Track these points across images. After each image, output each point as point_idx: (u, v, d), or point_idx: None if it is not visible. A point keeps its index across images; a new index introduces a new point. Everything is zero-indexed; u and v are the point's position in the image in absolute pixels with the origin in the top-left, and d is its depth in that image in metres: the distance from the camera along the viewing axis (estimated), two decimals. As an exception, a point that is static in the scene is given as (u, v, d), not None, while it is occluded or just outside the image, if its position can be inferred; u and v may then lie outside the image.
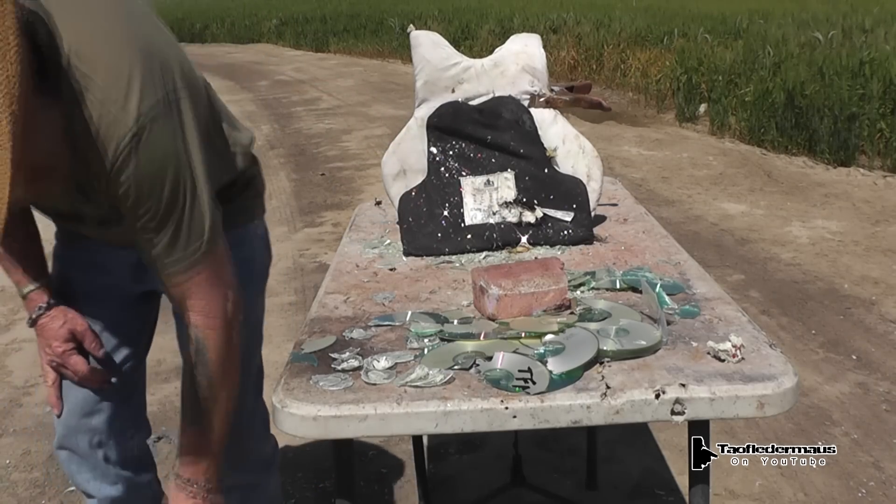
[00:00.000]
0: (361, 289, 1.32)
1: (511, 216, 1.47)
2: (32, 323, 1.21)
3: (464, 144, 1.52)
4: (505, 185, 1.48)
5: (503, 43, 1.63)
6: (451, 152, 1.51)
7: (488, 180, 1.49)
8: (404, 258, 1.46)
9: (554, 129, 1.57)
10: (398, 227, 1.52)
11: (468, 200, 1.48)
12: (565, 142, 1.56)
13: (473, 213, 1.48)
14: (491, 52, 1.61)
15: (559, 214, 1.47)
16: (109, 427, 1.30)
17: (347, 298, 1.28)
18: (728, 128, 6.60)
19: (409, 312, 1.18)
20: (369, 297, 1.27)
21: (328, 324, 1.17)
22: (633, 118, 7.57)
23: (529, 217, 1.46)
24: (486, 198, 1.48)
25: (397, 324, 1.15)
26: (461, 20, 13.45)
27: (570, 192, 1.49)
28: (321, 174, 5.87)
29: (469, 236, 1.46)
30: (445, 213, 1.48)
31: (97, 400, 1.27)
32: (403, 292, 1.29)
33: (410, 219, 1.49)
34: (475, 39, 12.07)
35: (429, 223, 1.48)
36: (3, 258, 1.20)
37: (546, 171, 1.51)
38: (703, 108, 7.19)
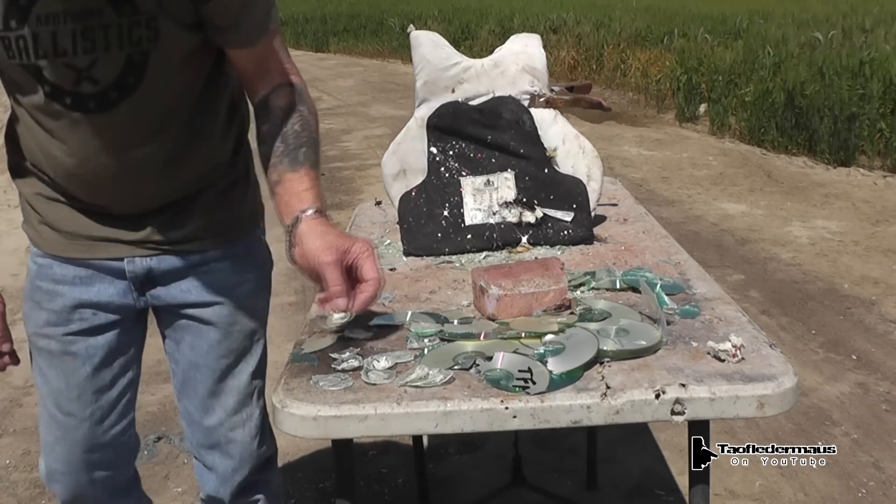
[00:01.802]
0: (361, 289, 1.32)
1: (511, 216, 1.47)
2: None
3: (464, 144, 1.51)
4: (505, 185, 1.48)
5: (503, 43, 1.63)
6: (451, 152, 1.51)
7: (488, 180, 1.49)
8: (404, 258, 1.46)
9: (554, 129, 1.57)
10: (398, 227, 1.52)
11: (468, 200, 1.48)
12: (565, 142, 1.56)
13: (473, 213, 1.48)
14: (491, 52, 1.61)
15: (559, 214, 1.47)
16: (111, 463, 1.32)
17: (347, 298, 1.27)
18: (728, 128, 6.60)
19: (409, 312, 1.18)
20: (369, 297, 1.27)
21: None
22: (633, 118, 7.58)
23: (529, 217, 1.46)
24: (486, 198, 1.48)
25: (397, 324, 1.15)
26: (461, 20, 13.45)
27: (570, 192, 1.49)
28: (321, 174, 5.87)
29: (469, 236, 1.46)
30: (445, 213, 1.48)
31: (100, 436, 1.28)
32: (403, 292, 1.29)
33: (410, 219, 1.49)
34: (475, 39, 12.07)
35: (429, 223, 1.48)
36: None
37: (546, 171, 1.50)
38: (703, 108, 7.19)
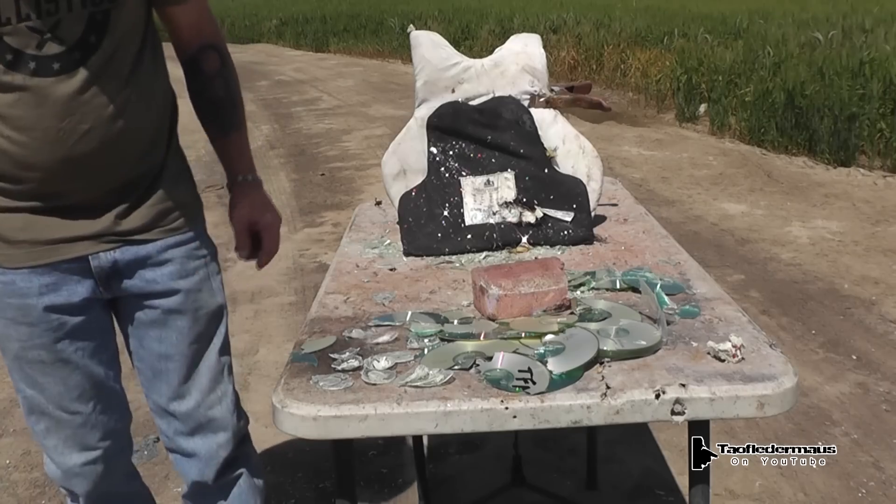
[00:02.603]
0: (361, 289, 1.32)
1: (511, 216, 1.47)
2: None
3: (464, 144, 1.52)
4: (505, 185, 1.48)
5: (503, 43, 1.63)
6: (451, 152, 1.51)
7: (488, 180, 1.49)
8: (404, 258, 1.46)
9: (554, 129, 1.57)
10: (398, 227, 1.52)
11: (468, 200, 1.48)
12: (565, 142, 1.56)
13: (473, 213, 1.48)
14: (491, 52, 1.61)
15: (559, 214, 1.47)
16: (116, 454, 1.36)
17: (347, 298, 1.28)
18: (728, 128, 6.60)
19: (409, 312, 1.18)
20: (369, 297, 1.27)
21: (328, 324, 1.17)
22: (633, 118, 7.57)
23: (529, 217, 1.46)
24: (486, 198, 1.48)
25: (397, 324, 1.15)
26: (461, 20, 13.44)
27: (570, 191, 1.49)
28: (321, 174, 5.87)
29: (469, 236, 1.46)
30: (445, 213, 1.48)
31: (109, 423, 1.32)
32: (403, 292, 1.29)
33: (410, 219, 1.49)
34: (475, 39, 12.06)
35: (429, 223, 1.48)
36: None
37: (546, 171, 1.50)
38: (703, 108, 7.18)
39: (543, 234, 1.47)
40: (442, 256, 1.46)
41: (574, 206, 1.48)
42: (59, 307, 1.21)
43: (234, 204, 1.34)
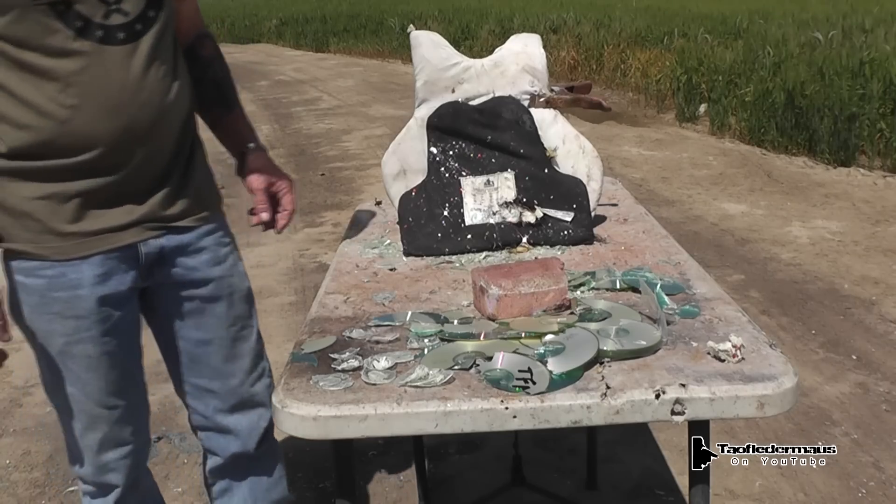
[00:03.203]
0: (361, 289, 1.32)
1: (511, 216, 1.47)
2: None
3: (464, 144, 1.51)
4: (505, 185, 1.48)
5: (503, 43, 1.62)
6: (451, 152, 1.51)
7: (488, 180, 1.49)
8: (404, 258, 1.46)
9: (554, 129, 1.57)
10: (398, 227, 1.52)
11: (468, 200, 1.48)
12: (565, 142, 1.56)
13: (473, 213, 1.48)
14: (491, 52, 1.61)
15: (559, 214, 1.47)
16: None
17: (347, 298, 1.28)
18: (728, 128, 6.60)
19: (409, 312, 1.18)
20: (369, 297, 1.27)
21: (328, 324, 1.17)
22: (633, 118, 7.58)
23: (529, 217, 1.46)
24: (486, 198, 1.48)
25: (397, 324, 1.15)
26: (461, 20, 13.44)
27: (570, 192, 1.49)
28: (321, 174, 5.87)
29: (469, 236, 1.46)
30: (445, 213, 1.48)
31: (140, 416, 1.37)
32: (403, 292, 1.29)
33: (410, 219, 1.49)
34: (475, 39, 12.06)
35: (429, 223, 1.48)
36: None
37: (546, 171, 1.50)
38: (703, 108, 7.18)
39: (543, 234, 1.47)
40: (442, 256, 1.46)
41: (574, 206, 1.48)
42: (109, 298, 1.23)
43: (251, 169, 1.40)
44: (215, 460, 1.49)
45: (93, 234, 1.20)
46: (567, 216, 1.47)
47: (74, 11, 1.09)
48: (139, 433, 1.36)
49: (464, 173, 1.50)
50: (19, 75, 1.10)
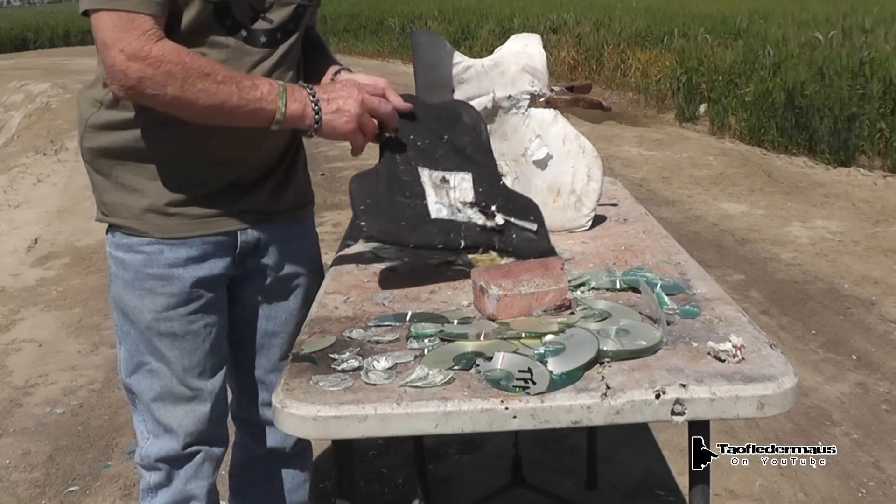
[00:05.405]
0: (361, 289, 1.32)
1: (477, 217, 1.39)
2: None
3: (422, 137, 1.42)
4: (462, 185, 1.42)
5: (503, 43, 1.62)
6: (410, 141, 1.42)
7: (444, 177, 1.43)
8: (404, 258, 1.46)
9: (554, 129, 1.57)
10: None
11: (430, 192, 1.39)
12: (565, 142, 1.56)
13: (438, 207, 1.38)
14: (491, 52, 1.61)
15: (523, 223, 1.41)
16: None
17: (347, 298, 1.28)
18: (728, 128, 6.60)
19: (409, 312, 1.18)
20: (369, 297, 1.27)
21: (328, 324, 1.17)
22: (633, 118, 7.58)
23: (495, 220, 1.39)
24: (445, 195, 1.41)
25: (397, 324, 1.15)
26: (461, 20, 13.45)
27: (526, 206, 1.43)
28: (321, 174, 5.87)
29: (435, 230, 1.35)
30: (408, 201, 1.37)
31: (220, 407, 1.39)
32: (403, 292, 1.29)
33: (368, 200, 1.34)
34: (475, 39, 12.08)
35: (391, 209, 1.35)
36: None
37: (501, 183, 1.45)
38: (703, 108, 7.19)
39: (508, 240, 1.39)
40: (441, 256, 1.45)
41: (532, 218, 1.42)
42: (202, 280, 1.28)
43: (350, 78, 1.43)
44: (246, 452, 1.52)
45: (196, 217, 1.26)
46: (532, 226, 1.42)
47: (229, 12, 1.21)
48: (219, 424, 1.38)
49: (420, 164, 1.40)
50: None
